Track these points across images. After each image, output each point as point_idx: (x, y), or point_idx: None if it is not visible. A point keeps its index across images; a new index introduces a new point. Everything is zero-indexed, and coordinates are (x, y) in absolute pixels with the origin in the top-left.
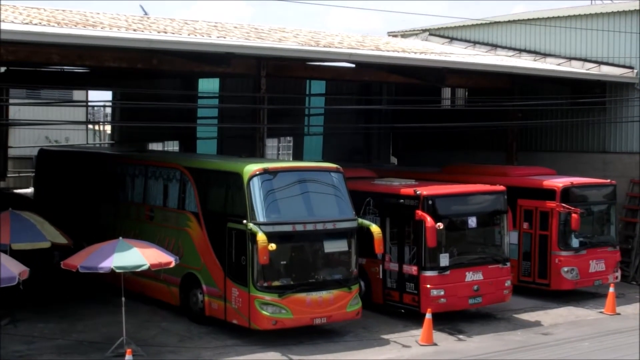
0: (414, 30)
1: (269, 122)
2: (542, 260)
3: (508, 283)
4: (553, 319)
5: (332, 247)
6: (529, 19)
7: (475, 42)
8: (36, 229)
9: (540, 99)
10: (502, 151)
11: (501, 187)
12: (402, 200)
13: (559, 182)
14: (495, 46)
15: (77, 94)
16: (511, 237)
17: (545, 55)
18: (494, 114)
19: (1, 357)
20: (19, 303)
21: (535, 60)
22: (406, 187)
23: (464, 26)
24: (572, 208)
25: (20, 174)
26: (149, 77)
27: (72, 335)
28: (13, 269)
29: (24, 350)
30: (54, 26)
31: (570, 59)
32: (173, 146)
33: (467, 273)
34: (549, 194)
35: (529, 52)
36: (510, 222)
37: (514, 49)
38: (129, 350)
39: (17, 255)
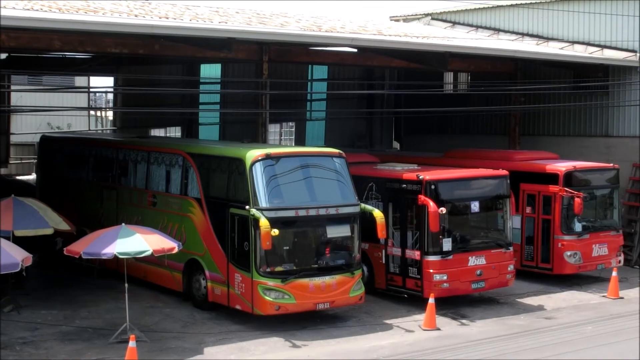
0: (416, 15)
1: (271, 107)
2: (545, 244)
3: (511, 267)
4: (556, 303)
5: (334, 232)
6: (531, 3)
7: (477, 27)
8: (39, 216)
9: (543, 83)
10: (505, 135)
11: (504, 172)
12: (404, 185)
13: (561, 166)
14: (497, 30)
15: (79, 80)
16: (514, 222)
17: (548, 39)
18: (497, 99)
19: (1, 344)
20: (22, 290)
21: (538, 44)
22: (409, 172)
23: (466, 10)
24: (575, 192)
25: (23, 161)
26: (151, 63)
27: (75, 322)
28: (16, 256)
29: (28, 336)
30: (55, 12)
31: (573, 42)
32: (175, 132)
33: (470, 258)
34: (552, 178)
35: (532, 36)
36: (513, 206)
37: (517, 33)
38: (132, 336)
39: (20, 241)
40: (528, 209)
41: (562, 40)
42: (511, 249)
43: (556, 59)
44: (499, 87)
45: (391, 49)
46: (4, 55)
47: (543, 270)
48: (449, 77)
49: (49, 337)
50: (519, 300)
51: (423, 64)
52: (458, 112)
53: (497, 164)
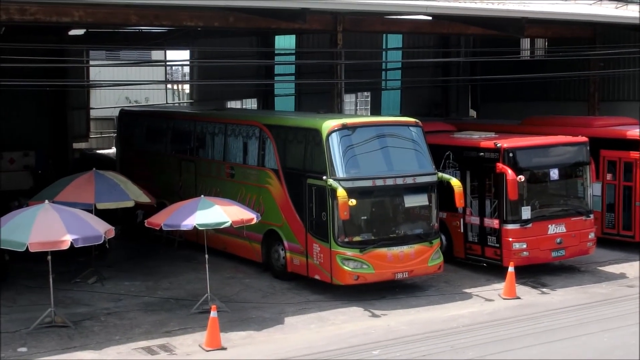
0: None
1: (346, 77)
2: (627, 211)
3: (592, 235)
4: (638, 271)
5: (412, 201)
6: None
7: None
8: (120, 189)
9: (623, 47)
10: (583, 102)
11: (583, 138)
12: (482, 153)
13: None
14: None
15: (156, 54)
16: (594, 189)
17: (627, 2)
18: (575, 64)
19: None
20: (104, 261)
21: (617, 8)
22: (486, 140)
23: None
24: None
25: (102, 135)
26: (226, 36)
27: (157, 293)
28: (99, 228)
29: (112, 307)
30: None
31: None
32: (251, 104)
33: (549, 226)
34: (633, 144)
35: None
36: (593, 173)
37: None
38: (213, 307)
39: (102, 214)
40: (609, 176)
41: None
42: (592, 216)
43: (636, 23)
44: (577, 53)
45: (467, 16)
46: (82, 31)
47: (624, 238)
48: (525, 43)
49: (132, 307)
50: (600, 268)
51: (499, 31)
52: (535, 79)
53: (576, 130)
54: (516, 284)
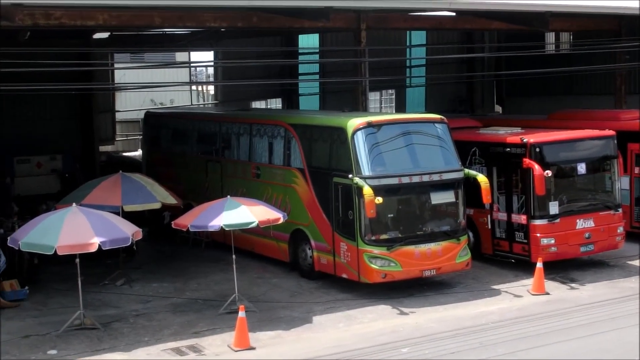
0: None
1: (370, 75)
2: None
3: (620, 229)
4: None
5: (439, 198)
6: None
7: None
8: (146, 190)
9: None
10: (610, 95)
11: (610, 132)
12: (508, 149)
13: None
14: None
15: (180, 56)
16: (622, 183)
17: None
18: (601, 57)
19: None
20: (132, 263)
21: None
22: (512, 136)
23: None
24: None
25: (128, 137)
26: (250, 36)
27: (185, 294)
28: (127, 230)
29: (141, 309)
30: None
31: None
32: (276, 104)
33: (577, 220)
34: None
35: None
36: (621, 167)
37: None
38: (241, 307)
39: (129, 216)
40: (637, 170)
41: None
42: (620, 210)
43: None
44: (602, 46)
45: (490, 11)
46: (106, 34)
47: None
48: (550, 37)
49: (161, 309)
50: (629, 262)
51: (523, 25)
52: (561, 73)
53: (603, 124)
54: (545, 280)
